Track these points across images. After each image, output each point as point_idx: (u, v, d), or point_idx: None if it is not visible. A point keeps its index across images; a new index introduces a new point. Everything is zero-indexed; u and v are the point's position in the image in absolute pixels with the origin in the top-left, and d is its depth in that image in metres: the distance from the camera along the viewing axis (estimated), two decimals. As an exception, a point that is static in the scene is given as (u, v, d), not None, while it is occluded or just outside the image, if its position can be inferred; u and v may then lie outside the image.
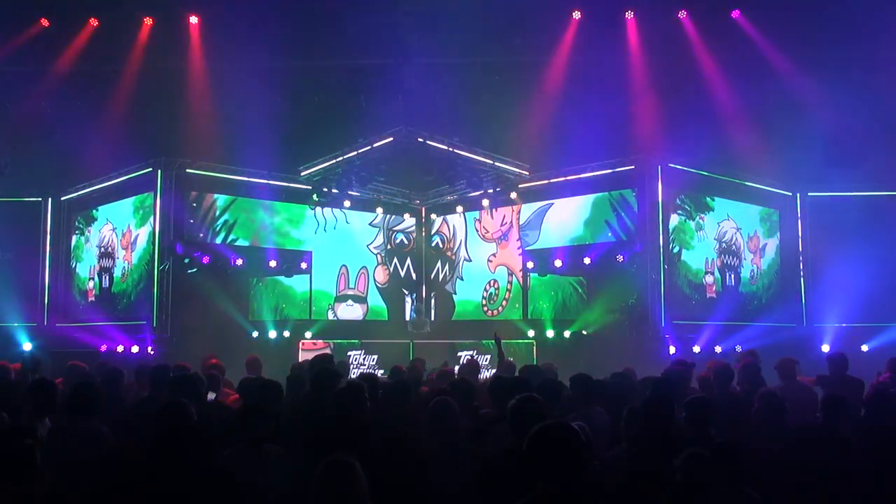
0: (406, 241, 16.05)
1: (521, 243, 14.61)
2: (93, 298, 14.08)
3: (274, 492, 4.04)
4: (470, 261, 15.49)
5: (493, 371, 11.04)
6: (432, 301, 15.91)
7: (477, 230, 15.39)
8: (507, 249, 14.92)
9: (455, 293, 15.69)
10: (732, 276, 13.44)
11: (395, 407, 5.32)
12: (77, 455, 4.21)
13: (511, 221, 14.76)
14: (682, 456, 3.61)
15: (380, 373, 11.24)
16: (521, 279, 14.62)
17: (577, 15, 12.78)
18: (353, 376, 9.92)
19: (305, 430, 4.55)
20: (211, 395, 6.26)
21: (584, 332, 12.84)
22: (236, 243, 13.65)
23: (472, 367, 8.62)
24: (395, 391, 5.58)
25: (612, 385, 6.11)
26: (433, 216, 16.08)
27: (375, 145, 13.63)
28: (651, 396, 4.94)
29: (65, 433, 4.57)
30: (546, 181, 13.91)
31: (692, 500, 3.55)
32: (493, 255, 15.15)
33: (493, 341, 8.32)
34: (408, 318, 15.60)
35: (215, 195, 13.52)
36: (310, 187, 14.13)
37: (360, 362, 13.26)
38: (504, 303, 14.93)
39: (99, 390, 5.18)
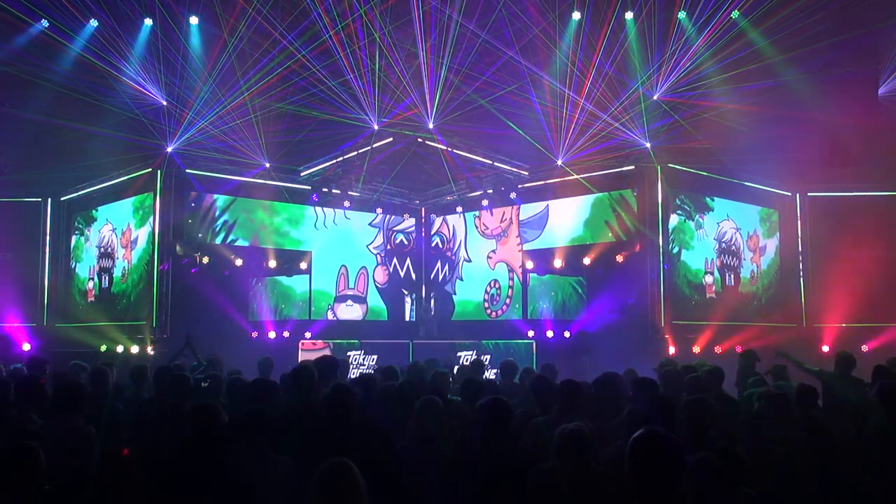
0: (406, 242, 16.05)
1: (520, 240, 14.61)
2: (92, 299, 14.07)
3: (275, 495, 4.03)
4: (470, 261, 15.48)
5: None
6: (432, 301, 15.92)
7: (476, 227, 15.39)
8: (506, 246, 14.91)
9: (455, 294, 15.69)
10: (732, 276, 13.44)
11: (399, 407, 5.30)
12: (61, 453, 4.21)
13: (511, 218, 14.76)
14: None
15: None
16: (520, 276, 14.62)
17: (577, 15, 12.79)
18: (352, 376, 9.92)
19: (293, 432, 4.53)
20: None
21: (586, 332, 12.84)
22: (236, 243, 13.65)
23: (477, 366, 8.62)
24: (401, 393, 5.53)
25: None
26: (433, 216, 16.09)
27: (375, 145, 13.64)
28: (651, 397, 4.93)
29: (49, 431, 4.55)
30: (546, 181, 13.92)
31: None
32: (493, 251, 15.14)
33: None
34: (407, 318, 15.64)
35: (215, 195, 13.52)
36: (310, 187, 14.14)
37: (360, 362, 13.26)
38: (508, 300, 14.90)
39: (84, 389, 5.16)
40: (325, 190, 14.00)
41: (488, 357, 12.67)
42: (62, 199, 14.52)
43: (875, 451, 4.98)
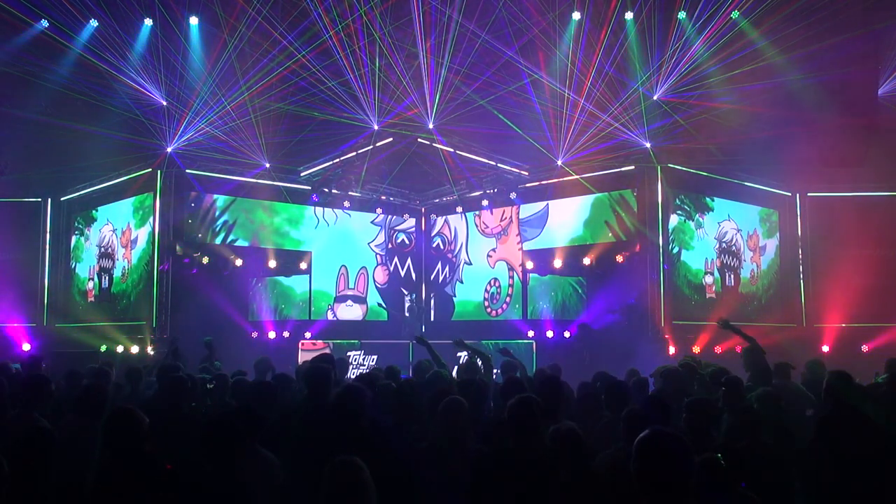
0: (407, 241, 16.05)
1: (520, 238, 14.60)
2: (92, 299, 14.07)
3: (270, 494, 4.03)
4: (470, 264, 15.45)
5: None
6: (431, 301, 15.92)
7: (476, 225, 15.39)
8: (506, 245, 14.90)
9: (455, 296, 15.67)
10: (732, 276, 13.44)
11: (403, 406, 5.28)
12: (72, 453, 4.23)
13: (511, 217, 14.75)
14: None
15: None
16: (520, 274, 14.61)
17: (576, 15, 12.79)
18: (351, 377, 9.92)
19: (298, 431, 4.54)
20: None
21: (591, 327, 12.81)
22: (236, 244, 13.65)
23: (473, 367, 8.58)
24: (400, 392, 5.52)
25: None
26: (434, 216, 16.09)
27: (375, 145, 13.64)
28: (648, 398, 4.93)
29: (79, 434, 4.57)
30: (546, 181, 13.91)
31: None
32: (493, 250, 15.13)
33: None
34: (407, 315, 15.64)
35: (215, 195, 13.51)
36: (310, 187, 14.14)
37: (360, 362, 13.27)
38: (508, 299, 14.89)
39: (107, 392, 5.18)
40: (325, 190, 14.00)
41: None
42: (62, 199, 14.53)
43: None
